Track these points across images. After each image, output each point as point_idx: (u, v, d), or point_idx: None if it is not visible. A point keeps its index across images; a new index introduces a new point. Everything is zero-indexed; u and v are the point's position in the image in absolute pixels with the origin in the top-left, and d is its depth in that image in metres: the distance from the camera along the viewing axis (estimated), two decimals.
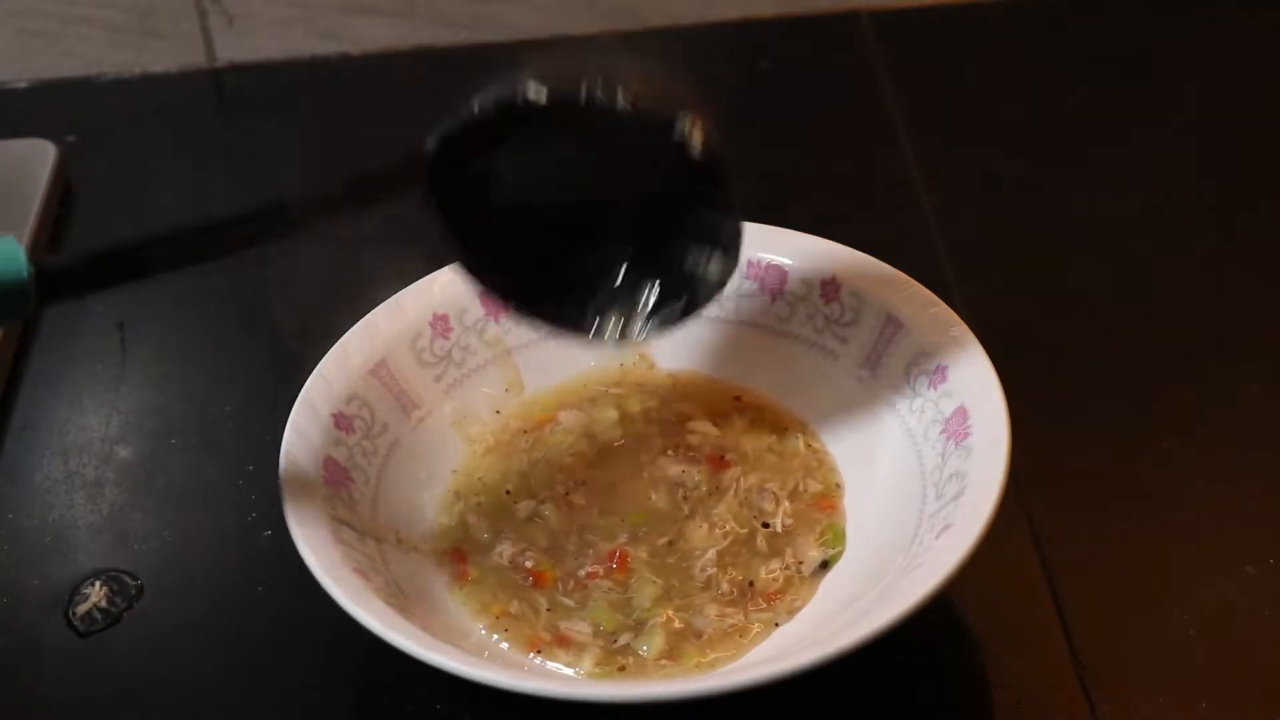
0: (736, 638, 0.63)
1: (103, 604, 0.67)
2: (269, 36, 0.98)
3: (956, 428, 0.63)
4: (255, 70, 0.98)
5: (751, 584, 0.64)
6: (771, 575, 0.64)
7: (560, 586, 0.64)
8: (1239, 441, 0.71)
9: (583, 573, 0.65)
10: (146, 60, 0.98)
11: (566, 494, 0.68)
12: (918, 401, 0.66)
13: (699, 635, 0.63)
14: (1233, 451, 0.71)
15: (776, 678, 0.55)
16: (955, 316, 0.66)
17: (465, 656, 0.57)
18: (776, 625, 0.63)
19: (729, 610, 0.63)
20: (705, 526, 0.66)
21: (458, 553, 0.66)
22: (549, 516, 0.67)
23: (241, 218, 0.60)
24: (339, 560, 0.60)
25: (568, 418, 0.71)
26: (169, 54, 0.98)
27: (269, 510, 0.69)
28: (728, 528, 0.66)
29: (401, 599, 0.61)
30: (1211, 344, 0.76)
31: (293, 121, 0.95)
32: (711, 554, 0.65)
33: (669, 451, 0.69)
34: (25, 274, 0.56)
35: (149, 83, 0.97)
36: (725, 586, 0.64)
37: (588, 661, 0.62)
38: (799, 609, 0.63)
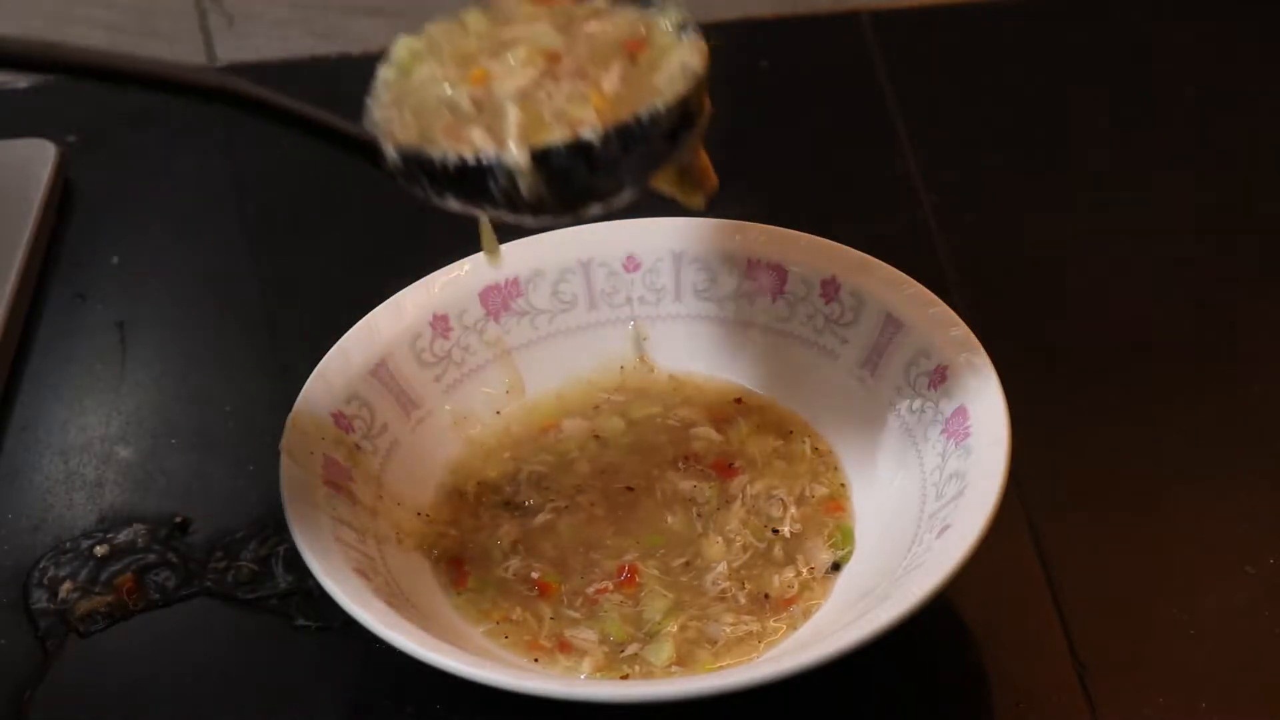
0: (753, 643, 0.62)
1: (103, 605, 0.67)
2: (269, 36, 0.98)
3: (956, 428, 0.63)
4: (255, 70, 0.98)
5: (767, 596, 0.64)
6: (786, 583, 0.64)
7: (566, 601, 0.64)
8: (1239, 442, 0.71)
9: (591, 589, 0.64)
10: None
11: (569, 506, 0.67)
12: (918, 401, 0.66)
13: (713, 642, 0.62)
14: (1233, 452, 0.71)
15: (775, 678, 0.55)
16: (955, 316, 0.66)
17: (466, 656, 0.57)
18: (794, 630, 0.63)
19: (746, 618, 0.63)
20: (720, 541, 0.66)
21: (456, 560, 0.66)
22: (554, 528, 0.67)
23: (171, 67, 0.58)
24: (339, 560, 0.60)
25: (571, 425, 0.70)
26: (169, 54, 0.98)
27: (269, 510, 0.69)
28: (744, 541, 0.66)
29: (401, 599, 0.61)
30: (1211, 344, 0.76)
31: None
32: (723, 567, 0.65)
33: (679, 464, 0.69)
34: None
35: None
36: (742, 600, 0.64)
37: (587, 666, 0.62)
38: (814, 612, 0.63)
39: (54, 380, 0.78)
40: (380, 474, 0.67)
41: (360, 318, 0.69)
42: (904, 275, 0.68)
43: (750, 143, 0.91)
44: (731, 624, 0.63)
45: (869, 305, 0.68)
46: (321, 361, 0.67)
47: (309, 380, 0.67)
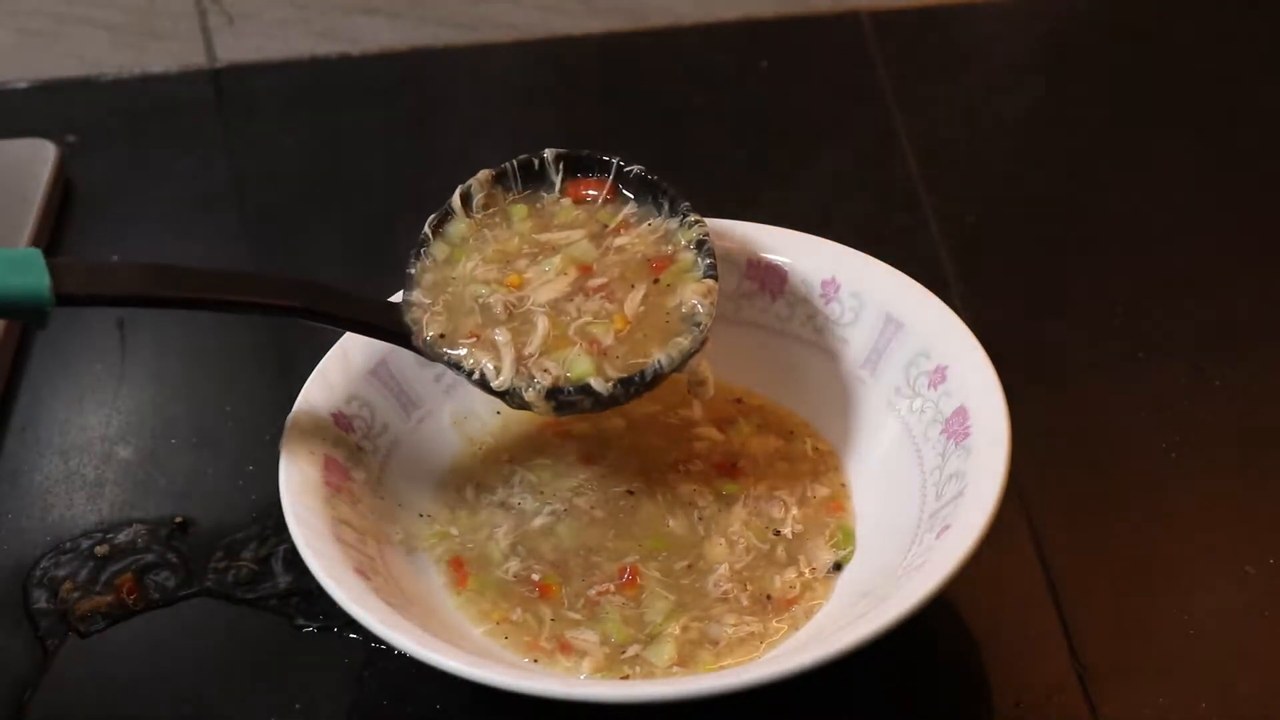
0: (755, 644, 0.62)
1: (103, 605, 0.67)
2: (269, 36, 0.98)
3: (956, 428, 0.63)
4: (255, 70, 0.98)
5: (769, 596, 0.64)
6: (788, 583, 0.64)
7: (567, 602, 0.64)
8: (1239, 441, 0.71)
9: (592, 591, 0.64)
10: (146, 60, 0.98)
11: (569, 509, 0.67)
12: (918, 401, 0.66)
13: (715, 643, 0.62)
14: (1233, 451, 0.71)
15: (775, 678, 0.55)
16: (955, 316, 0.66)
17: (466, 656, 0.57)
18: (796, 630, 0.63)
19: (748, 619, 0.63)
20: (723, 543, 0.66)
21: (456, 561, 0.66)
22: (553, 530, 0.67)
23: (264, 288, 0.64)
24: (339, 560, 0.60)
25: (571, 425, 0.70)
26: (169, 54, 0.98)
27: (269, 510, 0.69)
28: (746, 543, 0.66)
29: (402, 599, 0.61)
30: (1211, 344, 0.76)
31: (293, 121, 0.95)
32: (725, 569, 0.65)
33: (680, 466, 0.69)
34: (47, 299, 0.59)
35: (149, 83, 0.97)
36: (744, 601, 0.64)
37: (587, 667, 0.62)
38: (816, 612, 0.63)
39: (54, 380, 0.78)
40: (380, 474, 0.67)
41: None
42: (904, 275, 0.68)
43: (750, 143, 0.91)
44: (733, 625, 0.63)
45: (869, 305, 0.68)
46: (321, 361, 0.67)
47: (309, 380, 0.67)
